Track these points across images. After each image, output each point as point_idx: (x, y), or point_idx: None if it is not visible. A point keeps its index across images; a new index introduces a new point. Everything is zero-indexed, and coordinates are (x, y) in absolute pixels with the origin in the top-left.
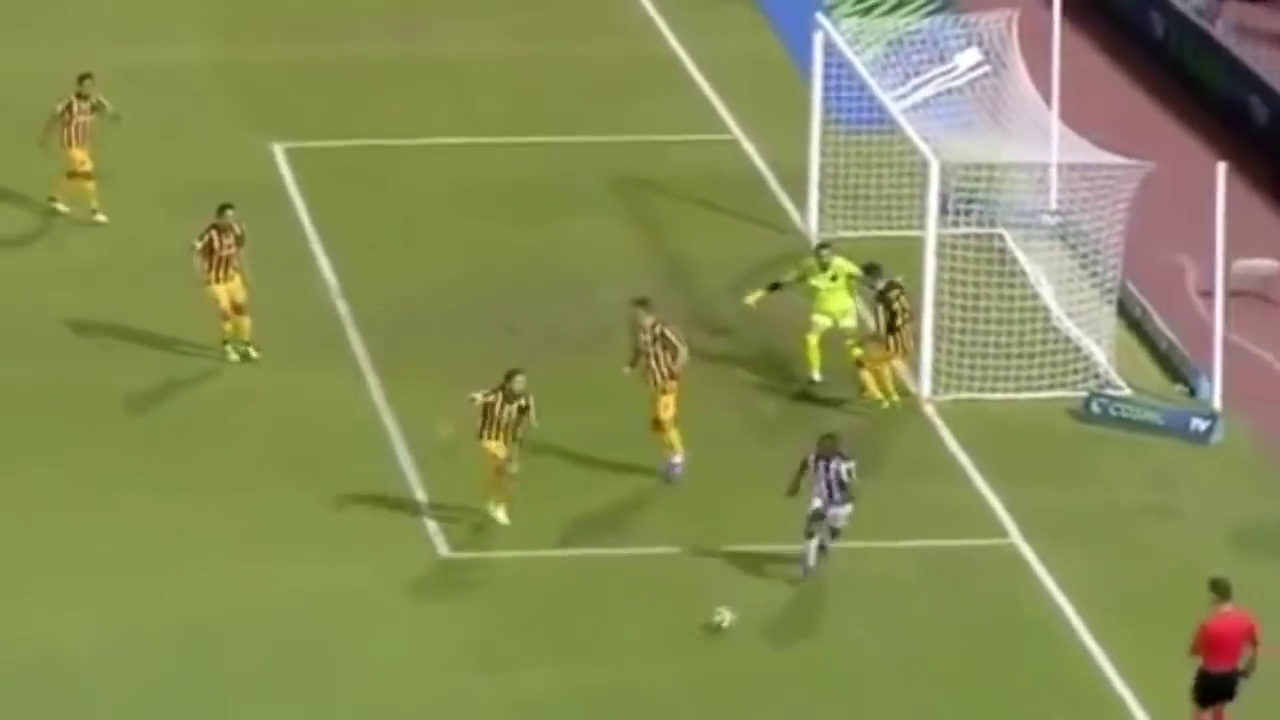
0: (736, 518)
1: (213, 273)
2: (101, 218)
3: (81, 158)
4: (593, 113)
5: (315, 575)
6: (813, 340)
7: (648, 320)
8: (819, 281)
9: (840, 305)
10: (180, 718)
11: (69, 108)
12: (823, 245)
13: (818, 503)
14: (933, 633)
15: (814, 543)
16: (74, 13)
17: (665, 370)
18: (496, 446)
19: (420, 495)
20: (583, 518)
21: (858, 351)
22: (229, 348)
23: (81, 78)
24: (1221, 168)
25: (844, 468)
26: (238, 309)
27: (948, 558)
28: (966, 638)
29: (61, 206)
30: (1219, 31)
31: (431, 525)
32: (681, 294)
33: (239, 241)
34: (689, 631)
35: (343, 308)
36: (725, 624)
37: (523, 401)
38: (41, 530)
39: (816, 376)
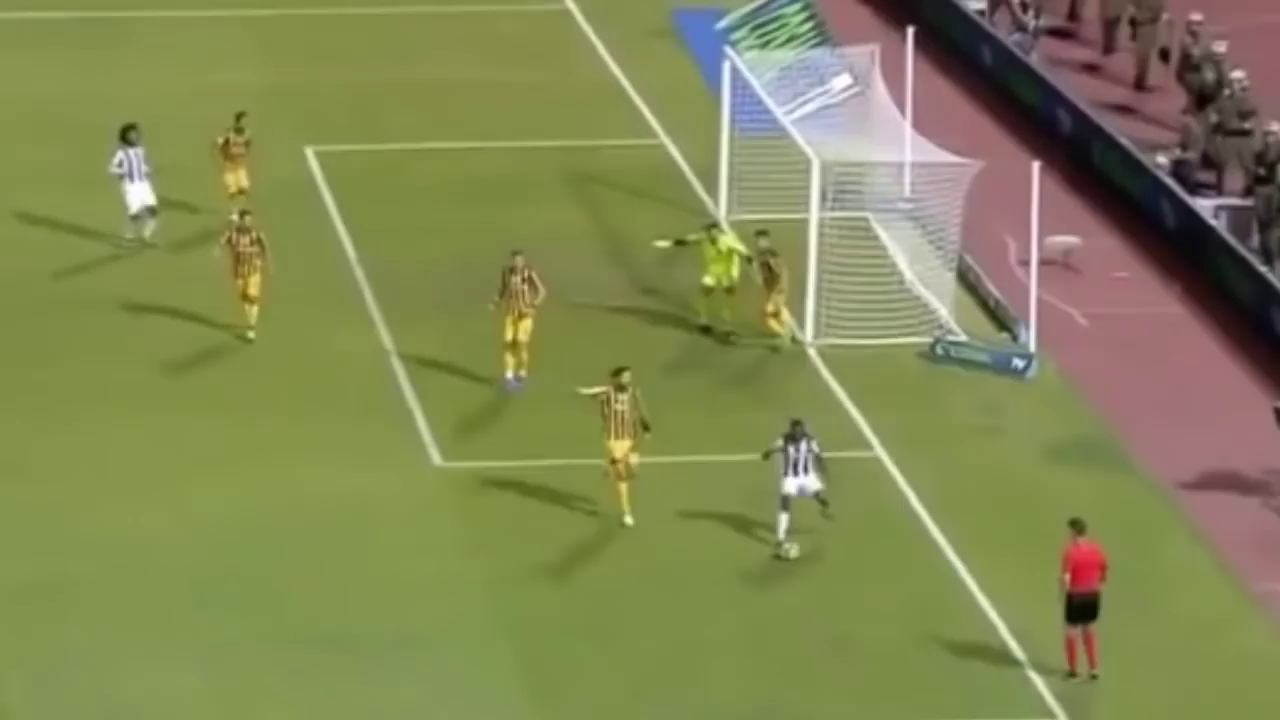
0: (661, 434)
1: (234, 267)
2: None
3: (234, 180)
4: (553, 123)
5: (334, 479)
6: (701, 295)
7: (520, 262)
8: (709, 250)
9: (723, 271)
10: (229, 588)
11: (227, 141)
12: (712, 225)
13: (791, 489)
14: (816, 525)
15: (785, 515)
16: (151, 47)
17: (527, 303)
18: (617, 446)
19: (419, 416)
20: (549, 433)
21: (769, 306)
22: (251, 333)
23: (238, 115)
24: (1035, 166)
25: (814, 444)
26: (249, 300)
27: (828, 467)
28: (842, 528)
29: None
30: (1034, 60)
31: (428, 439)
32: (619, 263)
33: (257, 243)
34: (634, 527)
35: (359, 274)
36: (794, 555)
37: (631, 392)
38: (113, 445)
39: (703, 321)
